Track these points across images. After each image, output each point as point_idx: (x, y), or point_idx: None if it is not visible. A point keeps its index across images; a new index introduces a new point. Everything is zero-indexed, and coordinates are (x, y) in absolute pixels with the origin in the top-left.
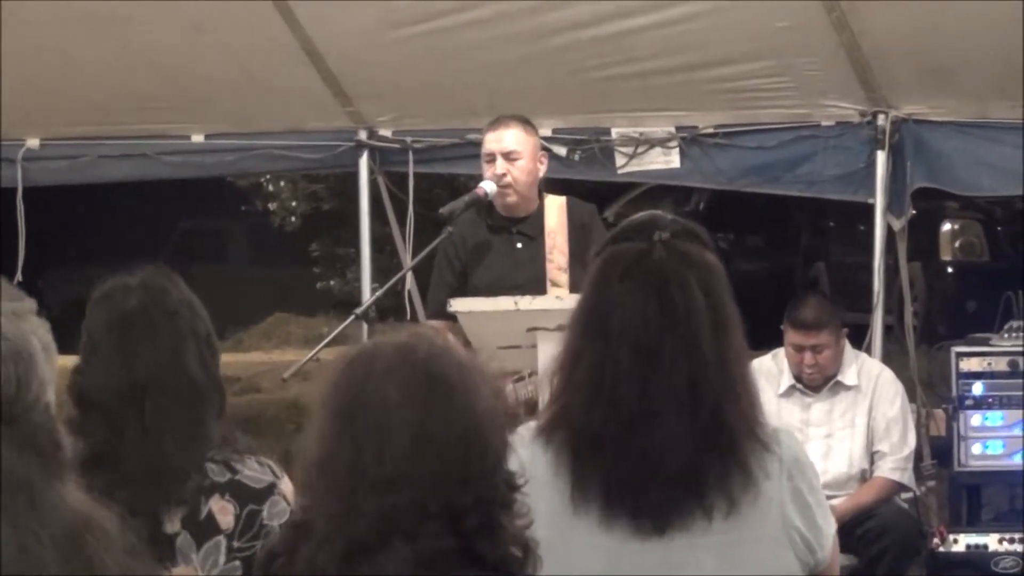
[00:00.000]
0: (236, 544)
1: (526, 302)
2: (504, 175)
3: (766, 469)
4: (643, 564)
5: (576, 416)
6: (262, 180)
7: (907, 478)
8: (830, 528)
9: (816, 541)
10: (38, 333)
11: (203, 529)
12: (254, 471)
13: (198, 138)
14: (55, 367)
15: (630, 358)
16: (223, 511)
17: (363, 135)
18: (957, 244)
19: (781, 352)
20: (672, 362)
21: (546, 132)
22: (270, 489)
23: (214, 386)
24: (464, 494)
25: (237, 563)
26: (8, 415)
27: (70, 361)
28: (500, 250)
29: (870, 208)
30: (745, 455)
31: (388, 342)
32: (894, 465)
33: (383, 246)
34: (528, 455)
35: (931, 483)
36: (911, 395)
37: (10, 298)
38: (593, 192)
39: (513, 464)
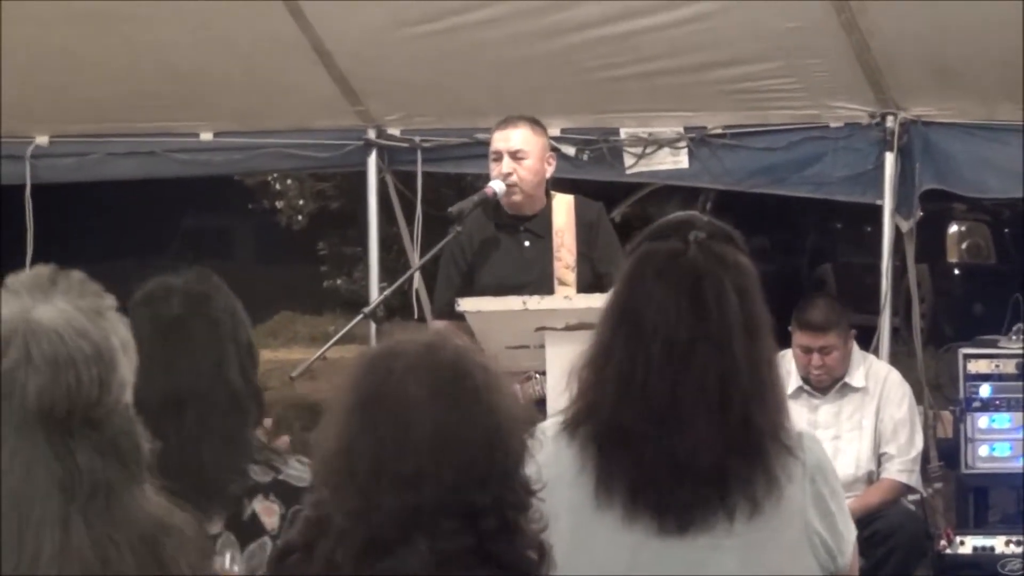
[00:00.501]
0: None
1: (534, 302)
2: (510, 174)
3: (789, 473)
4: (664, 562)
5: (604, 411)
6: (269, 178)
7: (914, 480)
8: (851, 534)
9: (837, 547)
10: (118, 331)
11: (247, 530)
12: (297, 470)
13: (206, 136)
14: (133, 364)
15: (661, 355)
16: (267, 511)
17: (372, 134)
18: (964, 246)
19: (789, 353)
20: (703, 362)
21: (555, 132)
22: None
23: (253, 395)
24: (483, 494)
25: None
26: (90, 419)
27: None
28: (508, 249)
29: (877, 209)
30: (770, 458)
31: (412, 340)
32: (901, 467)
33: (390, 245)
34: (552, 449)
35: (938, 485)
36: (918, 397)
37: (90, 294)
38: (600, 192)
39: (530, 469)
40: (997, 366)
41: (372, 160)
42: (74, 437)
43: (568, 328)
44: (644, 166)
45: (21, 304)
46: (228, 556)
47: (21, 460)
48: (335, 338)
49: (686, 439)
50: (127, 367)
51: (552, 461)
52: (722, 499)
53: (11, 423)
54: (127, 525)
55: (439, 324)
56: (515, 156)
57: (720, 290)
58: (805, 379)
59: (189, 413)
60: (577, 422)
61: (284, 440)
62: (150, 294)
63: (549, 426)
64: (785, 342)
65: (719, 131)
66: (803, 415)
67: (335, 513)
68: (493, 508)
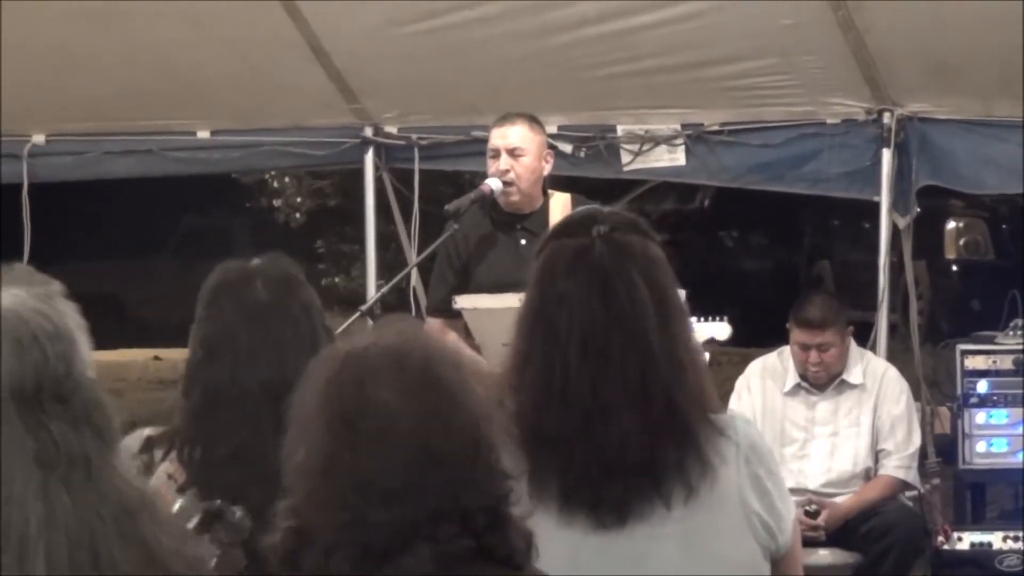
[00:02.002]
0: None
1: None
2: (507, 171)
3: (722, 454)
4: (605, 556)
5: (529, 416)
6: (267, 176)
7: (912, 476)
8: (789, 512)
9: (776, 525)
10: (70, 313)
11: None
12: None
13: (204, 134)
14: (89, 346)
15: (579, 356)
16: None
17: (368, 132)
18: (962, 242)
19: (786, 350)
20: (621, 357)
21: (552, 129)
22: None
23: None
24: (473, 494)
25: None
26: (59, 394)
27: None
28: (503, 247)
29: (874, 206)
30: (700, 442)
31: (378, 345)
32: (899, 463)
33: (388, 243)
34: None
35: (935, 481)
36: (916, 393)
37: (38, 282)
38: (597, 189)
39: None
40: (995, 362)
41: (369, 158)
42: (46, 412)
43: None
44: (641, 163)
45: None
46: None
47: None
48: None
49: (612, 434)
50: (86, 346)
51: None
52: (656, 488)
53: None
54: (109, 497)
55: (434, 322)
56: (513, 153)
57: (629, 283)
58: (803, 376)
59: (287, 401)
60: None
61: None
62: (227, 280)
63: None
64: (783, 339)
65: (716, 128)
66: (801, 412)
67: (321, 526)
68: (484, 505)
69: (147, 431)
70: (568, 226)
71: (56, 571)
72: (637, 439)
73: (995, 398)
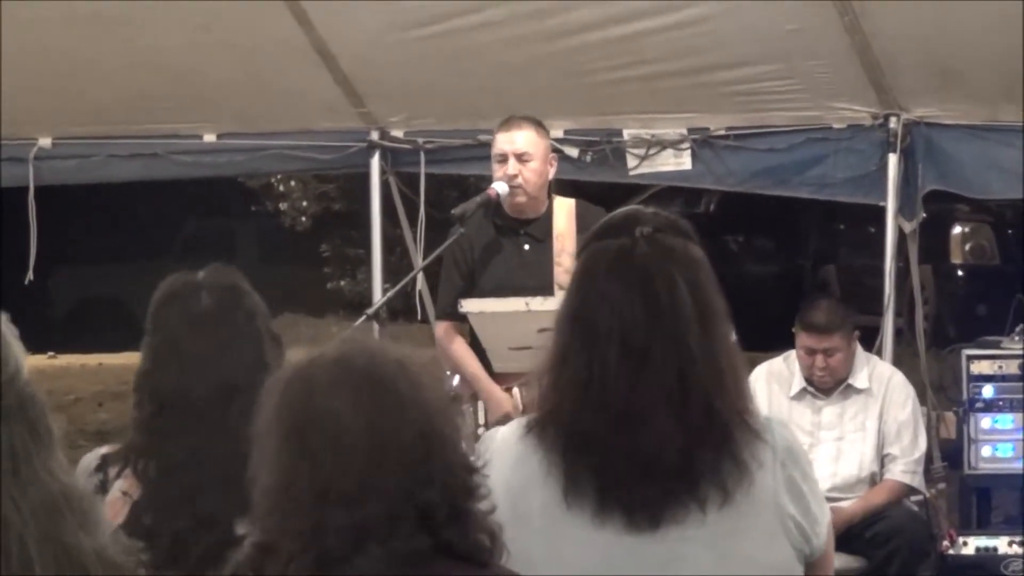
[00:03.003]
0: None
1: (537, 303)
2: (515, 176)
3: (759, 458)
4: (638, 559)
5: (566, 416)
6: (273, 180)
7: (917, 481)
8: (824, 516)
9: (811, 529)
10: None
11: None
12: None
13: (210, 138)
14: (19, 349)
15: (618, 357)
16: None
17: (375, 136)
18: (967, 247)
19: (792, 354)
20: (660, 359)
21: (557, 133)
22: None
23: None
24: (429, 490)
25: None
26: None
27: (78, 360)
28: (507, 251)
29: (879, 210)
30: (737, 446)
31: (323, 356)
32: (904, 468)
33: (394, 247)
34: (519, 453)
35: (941, 486)
36: (921, 398)
37: None
38: (603, 194)
39: (468, 447)
40: (1000, 367)
41: (375, 162)
42: None
43: None
44: (647, 167)
45: None
46: None
47: None
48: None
49: (649, 436)
50: (17, 348)
51: (520, 464)
52: (692, 491)
53: None
54: (32, 492)
55: (441, 326)
56: (520, 158)
57: (671, 284)
58: (809, 380)
59: (235, 406)
60: (541, 426)
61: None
62: (173, 291)
63: (515, 428)
64: (789, 343)
65: (722, 133)
66: (807, 416)
67: (282, 537)
68: (441, 500)
69: (104, 449)
70: (610, 227)
71: None
72: (674, 442)
73: (1001, 403)
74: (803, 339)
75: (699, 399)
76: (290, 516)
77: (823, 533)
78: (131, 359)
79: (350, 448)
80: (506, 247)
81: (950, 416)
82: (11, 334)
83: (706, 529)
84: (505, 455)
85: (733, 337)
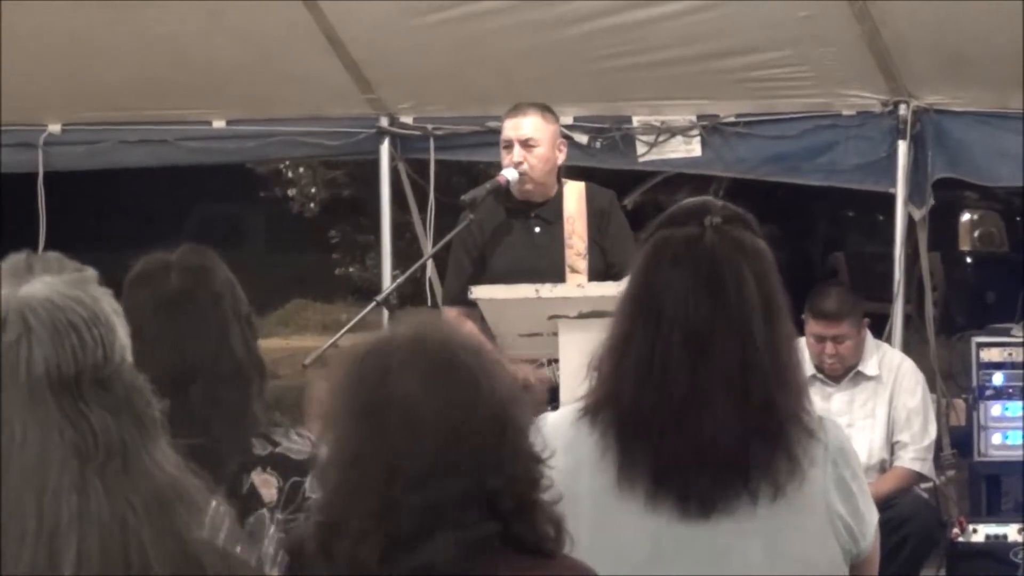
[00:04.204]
0: (280, 516)
1: (547, 290)
2: (521, 163)
3: (811, 456)
4: (688, 547)
5: (625, 400)
6: (281, 167)
7: (927, 468)
8: (873, 517)
9: (859, 530)
10: (106, 298)
11: (245, 503)
12: (295, 443)
13: (219, 124)
14: (127, 331)
15: (681, 343)
16: (265, 484)
17: (384, 122)
18: (976, 234)
19: (802, 341)
20: (723, 347)
21: (567, 120)
22: (312, 460)
23: (257, 367)
24: (498, 477)
25: (283, 535)
26: (99, 380)
27: None
28: (518, 234)
29: (888, 198)
30: (791, 441)
31: (399, 336)
32: (914, 455)
33: (403, 233)
34: (572, 435)
35: (951, 473)
36: (931, 385)
37: (70, 268)
38: (613, 180)
39: (535, 438)
40: (1010, 354)
41: (385, 148)
42: (85, 400)
43: (581, 316)
44: (657, 154)
45: (6, 286)
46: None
47: (34, 431)
48: (348, 326)
49: (707, 425)
50: (123, 330)
51: (573, 447)
52: (745, 483)
53: (20, 396)
54: (143, 487)
55: (450, 311)
56: (526, 144)
57: (738, 275)
58: (818, 367)
59: (196, 388)
60: (598, 408)
61: None
62: (145, 271)
63: (568, 412)
64: (798, 330)
65: (732, 119)
66: (816, 403)
67: (351, 516)
68: (509, 489)
69: None
70: (679, 215)
71: (86, 567)
72: (730, 432)
73: (1010, 390)
74: (812, 326)
75: (759, 391)
76: (358, 494)
77: (870, 534)
78: None
79: (424, 429)
80: (517, 230)
81: (959, 403)
82: (116, 314)
83: (757, 523)
84: (556, 439)
85: (796, 334)
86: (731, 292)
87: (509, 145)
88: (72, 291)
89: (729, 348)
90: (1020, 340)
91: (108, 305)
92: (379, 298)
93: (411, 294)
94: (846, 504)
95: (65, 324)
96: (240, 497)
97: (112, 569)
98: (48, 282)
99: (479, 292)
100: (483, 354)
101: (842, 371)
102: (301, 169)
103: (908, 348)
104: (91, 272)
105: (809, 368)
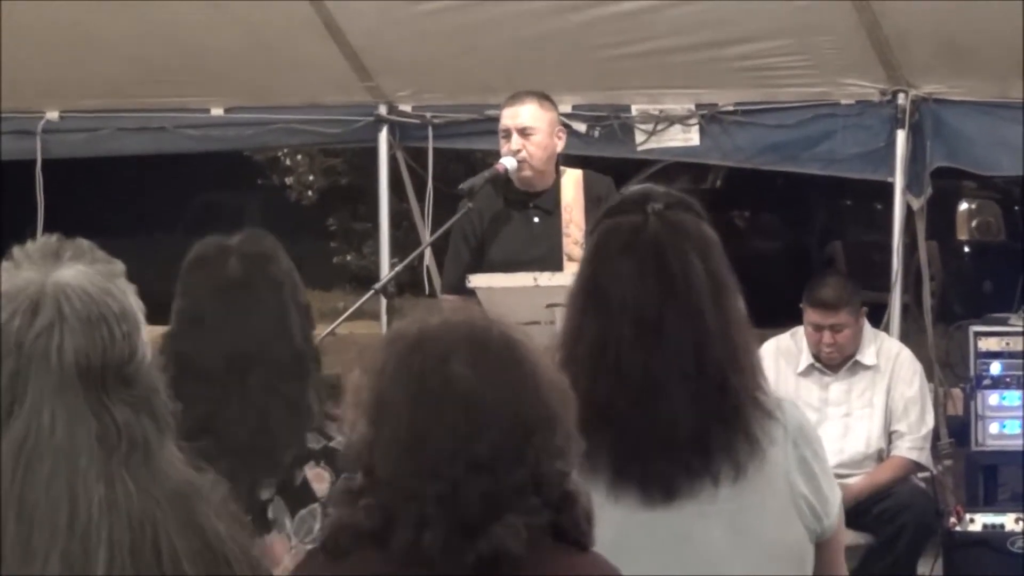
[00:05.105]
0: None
1: (545, 278)
2: (519, 151)
3: (771, 436)
4: (652, 533)
5: (581, 390)
6: (279, 154)
7: (924, 458)
8: (836, 496)
9: (822, 509)
10: (132, 295)
11: (298, 496)
12: None
13: (217, 112)
14: (146, 328)
15: (632, 331)
16: (318, 478)
17: (383, 110)
18: (974, 224)
19: (800, 331)
20: (675, 333)
21: (566, 109)
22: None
23: (314, 358)
24: (550, 466)
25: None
26: (123, 376)
27: None
28: (517, 224)
29: (886, 187)
30: (750, 422)
31: (456, 321)
32: (911, 444)
33: (401, 221)
34: None
35: (948, 462)
36: (929, 374)
37: (100, 259)
38: (611, 169)
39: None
40: (1007, 344)
41: (383, 136)
42: (109, 394)
43: None
44: (655, 143)
45: (39, 270)
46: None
47: (62, 419)
48: (346, 314)
49: (664, 410)
50: (145, 329)
51: None
52: (705, 465)
53: (50, 383)
54: (164, 482)
55: (449, 300)
56: (523, 133)
57: (684, 260)
58: (816, 357)
59: (254, 376)
60: None
61: None
62: (203, 256)
63: None
64: (796, 319)
65: (730, 108)
66: (814, 392)
67: (411, 500)
68: (558, 479)
69: None
70: (622, 204)
71: (117, 557)
72: (687, 415)
73: (1008, 380)
74: (810, 315)
75: (714, 374)
76: (419, 477)
77: (834, 513)
78: None
79: (486, 418)
80: (515, 220)
81: (957, 393)
82: (141, 312)
83: (720, 505)
84: None
85: (746, 315)
86: (678, 277)
87: (507, 133)
88: (104, 283)
89: (681, 333)
90: (1018, 329)
91: (135, 302)
92: (377, 286)
93: (409, 282)
94: (808, 484)
95: (97, 316)
96: (293, 490)
97: (143, 562)
98: (81, 271)
99: (477, 280)
100: (535, 347)
101: (840, 360)
102: (299, 157)
103: (906, 337)
104: (120, 265)
105: (807, 357)
